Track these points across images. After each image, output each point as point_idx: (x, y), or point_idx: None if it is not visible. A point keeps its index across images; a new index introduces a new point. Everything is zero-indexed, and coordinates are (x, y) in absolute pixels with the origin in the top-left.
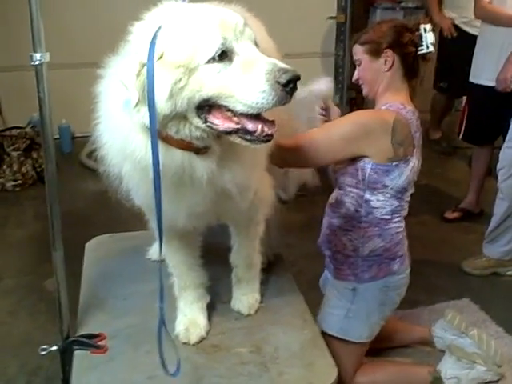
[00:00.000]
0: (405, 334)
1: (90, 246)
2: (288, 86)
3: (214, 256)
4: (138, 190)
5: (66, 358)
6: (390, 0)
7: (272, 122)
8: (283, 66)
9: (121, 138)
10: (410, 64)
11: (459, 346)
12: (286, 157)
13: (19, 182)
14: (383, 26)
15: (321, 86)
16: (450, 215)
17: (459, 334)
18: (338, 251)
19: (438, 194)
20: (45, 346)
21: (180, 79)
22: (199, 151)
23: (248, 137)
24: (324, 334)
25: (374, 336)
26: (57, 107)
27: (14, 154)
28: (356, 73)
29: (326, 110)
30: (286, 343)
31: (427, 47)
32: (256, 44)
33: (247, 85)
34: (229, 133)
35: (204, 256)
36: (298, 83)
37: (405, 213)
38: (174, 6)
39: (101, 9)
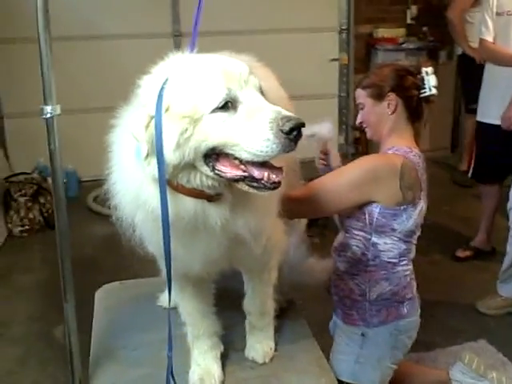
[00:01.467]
0: (422, 378)
1: (99, 294)
2: (291, 134)
3: (227, 303)
4: (151, 239)
5: None
6: (391, 42)
7: (279, 169)
8: (287, 113)
9: (133, 189)
10: (414, 107)
11: None
12: (295, 208)
13: (26, 227)
14: (384, 70)
15: (322, 130)
16: (461, 254)
17: (478, 377)
18: (346, 296)
19: (448, 233)
20: None
21: (186, 129)
22: (211, 198)
23: (255, 184)
24: (338, 381)
25: (388, 381)
26: (62, 152)
27: (21, 199)
28: (359, 116)
29: (326, 154)
30: None
31: (430, 89)
32: (262, 92)
33: (251, 133)
34: (236, 180)
35: (217, 304)
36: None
37: (412, 255)
38: (181, 58)
39: (107, 55)
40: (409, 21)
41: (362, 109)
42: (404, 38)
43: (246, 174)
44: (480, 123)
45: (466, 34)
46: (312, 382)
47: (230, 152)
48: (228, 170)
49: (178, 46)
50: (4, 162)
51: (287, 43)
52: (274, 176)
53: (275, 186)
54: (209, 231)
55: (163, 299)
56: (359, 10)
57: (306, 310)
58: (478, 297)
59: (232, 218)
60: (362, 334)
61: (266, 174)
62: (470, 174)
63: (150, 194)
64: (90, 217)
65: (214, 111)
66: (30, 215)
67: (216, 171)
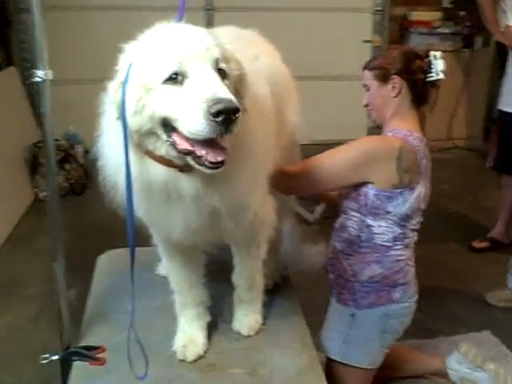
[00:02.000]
0: (418, 364)
1: (102, 259)
2: (219, 117)
3: (219, 275)
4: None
5: (65, 367)
6: (426, 25)
7: (222, 150)
8: (220, 96)
9: (115, 151)
10: (419, 91)
11: (473, 380)
12: (290, 183)
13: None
14: (392, 53)
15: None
16: (477, 245)
17: (474, 367)
18: (339, 275)
19: (468, 223)
20: (46, 355)
21: (141, 97)
22: (183, 169)
23: (199, 161)
24: (328, 358)
25: (378, 363)
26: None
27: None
28: (365, 98)
29: None
30: (282, 367)
31: (437, 74)
32: (220, 69)
33: (187, 111)
34: (185, 154)
35: (210, 274)
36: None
37: (410, 241)
38: (161, 28)
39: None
40: (445, 4)
41: (367, 90)
42: (439, 22)
43: (192, 149)
44: (502, 112)
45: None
46: (292, 358)
47: (175, 125)
48: (180, 142)
49: (210, 20)
50: (34, 128)
51: (320, 22)
52: (211, 156)
53: (214, 166)
54: (183, 201)
55: (161, 268)
56: None
57: (317, 289)
58: (489, 288)
59: (206, 191)
60: (352, 315)
61: (204, 152)
62: (491, 164)
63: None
64: None
65: (164, 82)
66: None
67: (171, 141)
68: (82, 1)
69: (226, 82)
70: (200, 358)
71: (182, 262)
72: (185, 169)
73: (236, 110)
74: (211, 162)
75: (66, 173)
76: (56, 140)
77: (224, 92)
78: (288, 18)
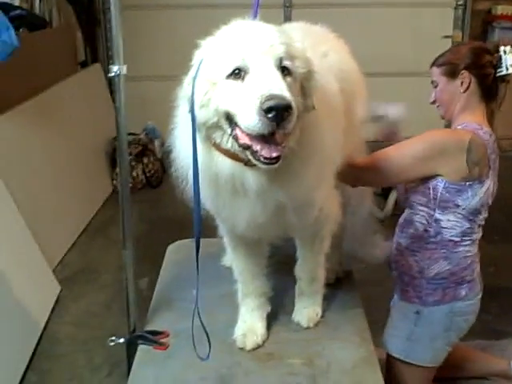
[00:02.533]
0: (481, 365)
1: (171, 248)
2: (270, 113)
3: (282, 267)
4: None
5: (131, 350)
6: (511, 19)
7: (277, 146)
8: (274, 92)
9: (186, 144)
10: (488, 86)
11: None
12: (358, 175)
13: (129, 185)
14: (462, 48)
15: (392, 110)
16: None
17: None
18: (404, 272)
19: None
20: (113, 338)
21: (207, 91)
22: (247, 163)
23: (255, 156)
24: (389, 356)
25: (440, 361)
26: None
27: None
28: (433, 94)
29: (394, 134)
30: (339, 359)
31: (507, 69)
32: (283, 66)
33: (244, 106)
34: (245, 148)
35: (273, 266)
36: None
37: (476, 237)
38: (234, 24)
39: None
40: None
41: (435, 87)
42: None
43: (249, 143)
44: None
45: None
46: (350, 351)
47: (235, 120)
48: (241, 136)
49: (287, 17)
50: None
51: (399, 17)
52: (266, 152)
53: (268, 162)
54: (249, 195)
55: (226, 259)
56: None
57: (381, 287)
58: None
59: (271, 186)
60: (417, 312)
61: (259, 147)
62: None
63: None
64: None
65: (227, 77)
66: (134, 174)
67: (233, 135)
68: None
69: (289, 79)
70: (258, 347)
71: (246, 253)
72: (249, 163)
73: (288, 107)
74: (266, 158)
75: (143, 166)
76: (135, 134)
77: (280, 89)
78: (366, 14)
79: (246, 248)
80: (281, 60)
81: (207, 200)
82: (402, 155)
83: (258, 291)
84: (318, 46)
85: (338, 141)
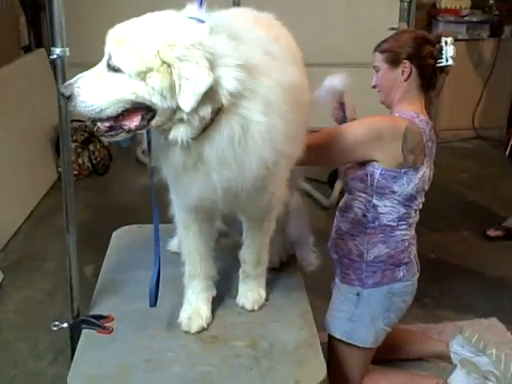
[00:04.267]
0: (421, 347)
1: (117, 234)
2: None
3: (226, 252)
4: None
5: (74, 336)
6: (454, 13)
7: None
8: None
9: None
10: (428, 76)
11: (474, 363)
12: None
13: (75, 172)
14: (404, 36)
15: (333, 82)
16: (492, 233)
17: (476, 351)
18: (344, 255)
19: (484, 212)
20: (56, 322)
21: None
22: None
23: None
24: (331, 338)
25: (380, 342)
26: None
27: (72, 145)
28: (374, 79)
29: (341, 105)
30: (282, 341)
31: (447, 60)
32: (110, 57)
33: None
34: None
35: (217, 250)
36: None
37: (413, 221)
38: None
39: None
40: None
41: (377, 71)
42: (468, 10)
43: None
44: None
45: None
46: (293, 332)
47: None
48: None
49: (236, 3)
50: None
51: (347, 8)
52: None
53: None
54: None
55: (172, 244)
56: None
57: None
58: (501, 277)
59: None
60: (357, 294)
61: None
62: (507, 153)
63: None
64: (138, 167)
65: None
66: (79, 161)
67: None
68: None
69: (116, 74)
70: (203, 330)
71: (197, 232)
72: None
73: (63, 95)
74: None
75: (89, 153)
76: (81, 121)
77: (74, 80)
78: (316, 3)
79: (198, 227)
80: (109, 54)
81: (162, 168)
82: (341, 137)
83: (205, 273)
84: (269, 30)
85: (295, 128)
